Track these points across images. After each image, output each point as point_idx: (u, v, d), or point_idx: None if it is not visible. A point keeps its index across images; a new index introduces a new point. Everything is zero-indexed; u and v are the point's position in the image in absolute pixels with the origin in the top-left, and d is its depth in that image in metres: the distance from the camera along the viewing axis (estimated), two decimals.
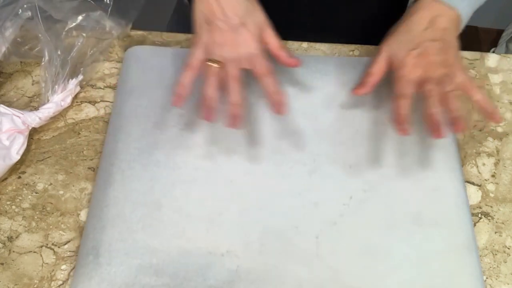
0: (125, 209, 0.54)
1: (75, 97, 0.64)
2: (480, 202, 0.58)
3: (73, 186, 0.58)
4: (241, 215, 0.54)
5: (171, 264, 0.52)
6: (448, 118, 0.53)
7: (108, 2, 0.65)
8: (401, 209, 0.55)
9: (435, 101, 0.54)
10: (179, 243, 0.53)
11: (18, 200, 0.57)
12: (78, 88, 0.64)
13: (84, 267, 0.52)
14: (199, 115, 0.54)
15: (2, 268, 0.53)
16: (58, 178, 0.58)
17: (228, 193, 0.56)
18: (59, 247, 0.54)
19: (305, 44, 0.69)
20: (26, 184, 0.58)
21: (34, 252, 0.54)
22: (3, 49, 0.63)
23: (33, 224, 0.55)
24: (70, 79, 0.63)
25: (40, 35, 0.62)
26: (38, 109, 0.60)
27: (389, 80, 0.58)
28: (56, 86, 0.62)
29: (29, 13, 0.62)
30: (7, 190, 0.57)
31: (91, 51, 0.66)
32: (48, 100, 0.61)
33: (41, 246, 0.54)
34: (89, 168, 0.59)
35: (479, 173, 0.60)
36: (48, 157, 0.60)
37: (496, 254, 0.55)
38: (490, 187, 0.59)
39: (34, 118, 0.59)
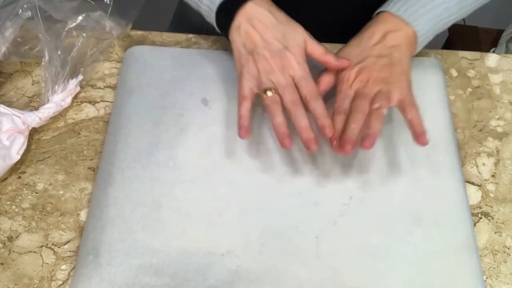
0: (125, 209, 0.54)
1: (75, 97, 0.64)
2: (480, 202, 0.58)
3: (73, 186, 0.58)
4: (241, 215, 0.54)
5: (171, 264, 0.52)
6: (363, 132, 0.52)
7: (108, 2, 0.65)
8: (401, 209, 0.55)
9: (355, 117, 0.53)
10: (179, 243, 0.53)
11: (18, 200, 0.57)
12: (78, 88, 0.64)
13: (84, 267, 0.52)
14: (280, 145, 0.54)
15: (2, 268, 0.53)
16: (58, 178, 0.58)
17: (228, 193, 0.56)
18: (59, 247, 0.54)
19: None
20: (26, 184, 0.58)
21: (34, 252, 0.54)
22: (3, 49, 0.63)
23: (33, 224, 0.55)
24: (70, 79, 0.63)
25: (40, 35, 0.62)
26: (38, 109, 0.60)
27: None
28: (56, 86, 0.62)
29: (29, 13, 0.62)
30: (7, 190, 0.57)
31: (91, 51, 0.66)
32: (48, 100, 0.61)
33: (41, 246, 0.54)
34: (89, 168, 0.59)
35: (479, 173, 0.60)
36: (48, 157, 0.60)
37: (496, 254, 0.55)
38: (490, 187, 0.59)
39: (34, 118, 0.59)
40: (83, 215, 0.56)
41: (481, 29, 1.36)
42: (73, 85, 0.63)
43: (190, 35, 0.70)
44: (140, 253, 0.52)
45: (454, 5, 0.59)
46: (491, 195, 0.59)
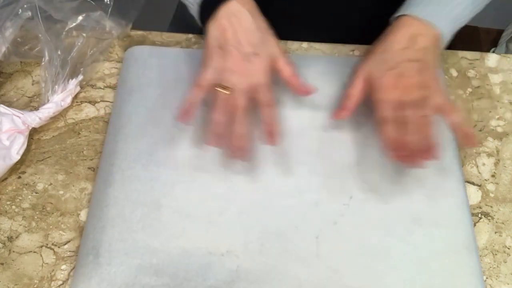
0: (125, 209, 0.54)
1: (75, 97, 0.64)
2: (480, 202, 0.58)
3: (73, 186, 0.58)
4: (241, 215, 0.54)
5: (171, 264, 0.52)
6: (422, 145, 0.52)
7: (108, 2, 0.65)
8: (401, 209, 0.55)
9: (413, 129, 0.52)
10: (179, 243, 0.53)
11: (18, 200, 0.57)
12: (78, 88, 0.64)
13: (84, 267, 0.52)
14: (204, 140, 0.54)
15: (2, 268, 0.53)
16: (58, 178, 0.58)
17: (228, 193, 0.56)
18: (59, 247, 0.54)
19: (305, 44, 0.69)
20: (26, 184, 0.58)
21: (34, 252, 0.54)
22: (3, 49, 0.63)
23: (33, 224, 0.55)
24: (70, 79, 0.63)
25: (40, 35, 0.62)
26: (38, 109, 0.60)
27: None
28: (56, 86, 0.62)
29: (29, 13, 0.62)
30: (7, 190, 0.57)
31: (91, 51, 0.66)
32: (48, 100, 0.61)
33: (41, 246, 0.54)
34: (89, 168, 0.59)
35: (479, 173, 0.60)
36: (48, 157, 0.60)
37: (496, 254, 0.55)
38: (490, 187, 0.59)
39: (34, 118, 0.59)
40: (83, 215, 0.56)
41: (481, 29, 1.36)
42: (73, 85, 0.63)
43: (190, 35, 0.70)
44: (140, 253, 0.52)
45: (470, 4, 0.58)
46: (491, 195, 0.59)
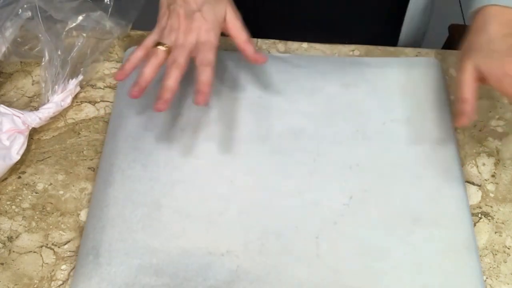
0: (125, 209, 0.54)
1: (75, 97, 0.64)
2: (480, 202, 0.58)
3: (73, 186, 0.58)
4: (241, 215, 0.54)
5: (171, 264, 0.52)
6: None
7: (108, 2, 0.65)
8: (401, 209, 0.55)
9: None
10: (179, 243, 0.53)
11: (18, 200, 0.57)
12: (78, 88, 0.64)
13: (84, 267, 0.52)
14: (130, 91, 0.54)
15: (2, 268, 0.53)
16: (58, 178, 0.58)
17: (228, 193, 0.56)
18: (59, 247, 0.54)
19: (305, 44, 0.69)
20: (26, 184, 0.58)
21: (34, 252, 0.54)
22: (3, 49, 0.63)
23: (33, 224, 0.55)
24: (70, 79, 0.63)
25: (40, 35, 0.62)
26: (38, 109, 0.60)
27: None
28: (56, 86, 0.62)
29: (29, 13, 0.62)
30: (7, 190, 0.57)
31: (91, 51, 0.66)
32: (48, 100, 0.61)
33: (41, 246, 0.54)
34: (89, 168, 0.59)
35: (479, 173, 0.60)
36: (48, 157, 0.60)
37: (496, 254, 0.55)
38: (490, 187, 0.59)
39: (34, 118, 0.59)
40: (83, 215, 0.56)
41: None
42: (73, 85, 0.63)
43: None
44: (140, 253, 0.52)
45: None
46: (491, 195, 0.59)
